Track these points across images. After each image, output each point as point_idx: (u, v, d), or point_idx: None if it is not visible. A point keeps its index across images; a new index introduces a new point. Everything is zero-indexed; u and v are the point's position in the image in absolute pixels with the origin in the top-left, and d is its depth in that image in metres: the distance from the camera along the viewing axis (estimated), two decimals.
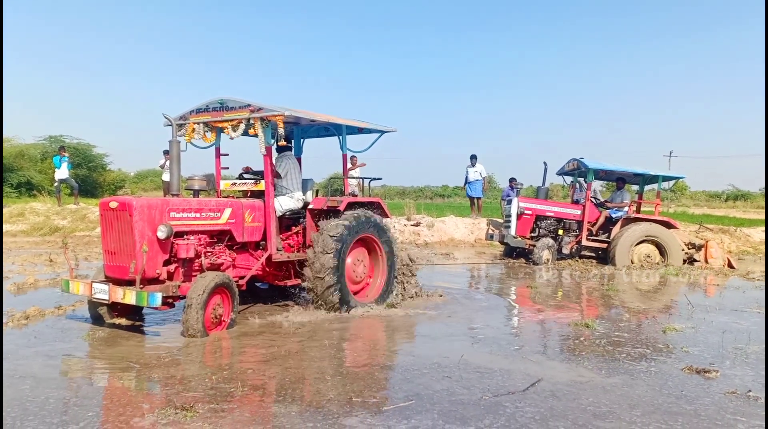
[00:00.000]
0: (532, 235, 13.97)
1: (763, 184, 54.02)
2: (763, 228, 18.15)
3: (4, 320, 6.64)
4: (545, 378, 5.08)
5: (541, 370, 5.35)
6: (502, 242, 14.26)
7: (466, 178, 19.13)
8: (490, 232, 14.61)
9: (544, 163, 14.64)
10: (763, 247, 16.73)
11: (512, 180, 17.68)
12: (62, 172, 19.80)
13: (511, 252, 14.35)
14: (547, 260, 13.12)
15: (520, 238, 13.69)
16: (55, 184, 20.51)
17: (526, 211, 13.70)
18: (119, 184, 36.23)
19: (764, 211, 34.91)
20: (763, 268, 13.02)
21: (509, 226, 13.70)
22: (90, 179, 32.60)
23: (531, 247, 13.59)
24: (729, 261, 13.30)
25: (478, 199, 19.66)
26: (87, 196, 27.72)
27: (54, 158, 20.54)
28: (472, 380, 5.00)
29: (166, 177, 20.03)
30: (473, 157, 19.03)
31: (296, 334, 6.51)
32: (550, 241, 13.39)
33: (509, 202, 14.11)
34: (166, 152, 19.55)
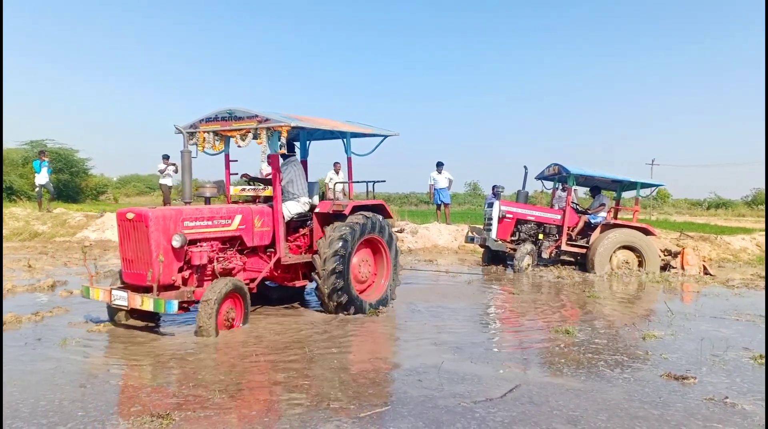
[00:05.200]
0: (513, 238, 14.00)
1: (745, 193, 54.75)
2: (743, 236, 18.37)
3: None
4: (523, 384, 5.13)
5: (520, 376, 5.40)
6: (482, 245, 14.24)
7: (434, 184, 19.24)
8: (470, 235, 14.55)
9: (525, 167, 14.67)
10: (743, 255, 16.92)
11: (495, 186, 17.73)
12: (42, 177, 19.58)
13: (492, 259, 14.34)
14: (528, 266, 13.16)
15: (500, 242, 13.72)
16: (36, 189, 20.24)
17: (507, 215, 13.74)
18: (101, 190, 35.77)
19: (745, 217, 35.34)
20: (742, 276, 13.16)
21: (490, 229, 13.73)
22: (72, 184, 32.15)
23: (511, 251, 13.63)
24: (705, 268, 13.41)
25: (447, 205, 19.80)
26: (69, 202, 27.43)
27: (34, 163, 20.23)
28: (450, 386, 5.03)
29: (164, 181, 19.93)
30: (440, 164, 19.16)
31: (277, 341, 6.52)
32: (530, 246, 13.43)
33: (491, 205, 14.13)
34: (165, 157, 19.49)
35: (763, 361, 5.97)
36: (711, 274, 13.14)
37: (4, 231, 17.32)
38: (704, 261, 13.98)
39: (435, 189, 19.30)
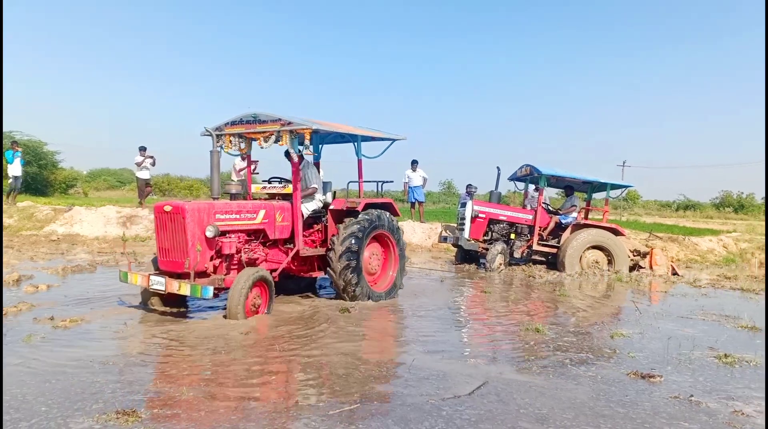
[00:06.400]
0: (485, 238, 14.08)
1: (713, 195, 55.90)
2: (710, 237, 18.69)
3: None
4: (491, 381, 5.15)
5: (489, 374, 5.42)
6: (455, 245, 14.32)
7: (408, 182, 19.24)
8: (444, 234, 14.63)
9: (497, 168, 14.79)
10: (710, 256, 17.21)
11: (468, 186, 17.81)
12: (15, 168, 19.07)
13: (465, 258, 14.42)
14: (500, 265, 13.24)
15: (473, 241, 13.79)
16: (9, 180, 19.66)
17: (480, 215, 13.81)
18: (71, 183, 35.10)
19: (732, 218, 36.00)
20: (709, 277, 13.40)
21: (463, 229, 13.79)
22: (41, 177, 31.49)
23: (484, 251, 13.70)
24: (673, 268, 13.61)
25: (421, 203, 19.81)
26: (37, 194, 26.92)
27: (6, 153, 19.47)
28: (418, 384, 5.04)
29: (140, 174, 19.34)
30: (414, 162, 19.18)
31: (246, 338, 6.45)
32: (502, 246, 13.50)
33: (464, 205, 14.20)
34: (142, 149, 18.98)
35: (728, 360, 6.08)
36: (678, 275, 13.35)
37: None
38: (672, 261, 14.21)
39: (409, 187, 19.29)
